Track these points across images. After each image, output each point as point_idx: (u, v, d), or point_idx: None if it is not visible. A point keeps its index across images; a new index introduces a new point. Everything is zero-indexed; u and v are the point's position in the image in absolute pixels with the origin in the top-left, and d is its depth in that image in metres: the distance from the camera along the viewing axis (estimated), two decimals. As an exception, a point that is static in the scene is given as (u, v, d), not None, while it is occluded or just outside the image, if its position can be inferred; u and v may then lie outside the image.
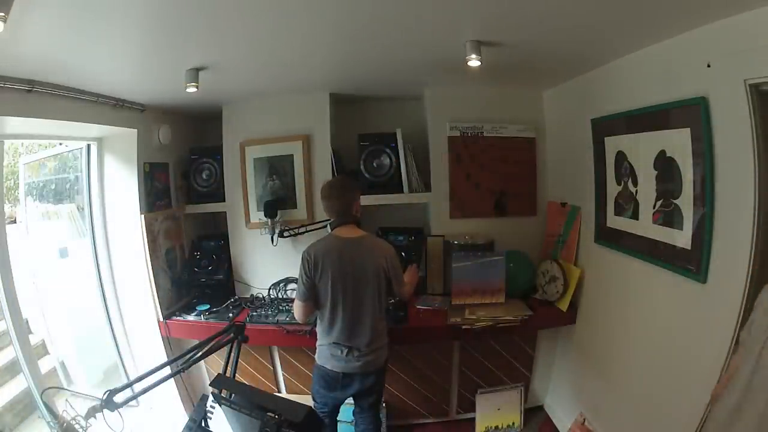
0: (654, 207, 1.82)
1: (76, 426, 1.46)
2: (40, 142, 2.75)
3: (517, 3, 1.38)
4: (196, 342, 1.89)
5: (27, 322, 2.37)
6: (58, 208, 2.83)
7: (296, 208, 2.75)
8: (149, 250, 2.49)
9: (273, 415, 1.35)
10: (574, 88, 2.42)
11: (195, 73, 1.88)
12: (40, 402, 2.03)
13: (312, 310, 2.01)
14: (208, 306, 2.63)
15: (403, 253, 2.60)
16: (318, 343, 2.06)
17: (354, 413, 2.22)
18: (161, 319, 2.53)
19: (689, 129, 1.59)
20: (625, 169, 2.00)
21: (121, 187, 2.52)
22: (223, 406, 1.48)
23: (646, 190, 1.87)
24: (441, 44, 1.74)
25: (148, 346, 2.60)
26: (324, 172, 2.69)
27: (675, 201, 1.70)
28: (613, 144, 2.08)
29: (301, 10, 1.39)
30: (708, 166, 1.52)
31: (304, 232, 2.56)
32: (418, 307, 2.57)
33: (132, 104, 2.38)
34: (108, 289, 2.63)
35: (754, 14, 1.32)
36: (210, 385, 1.80)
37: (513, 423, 2.72)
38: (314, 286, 1.95)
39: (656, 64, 1.77)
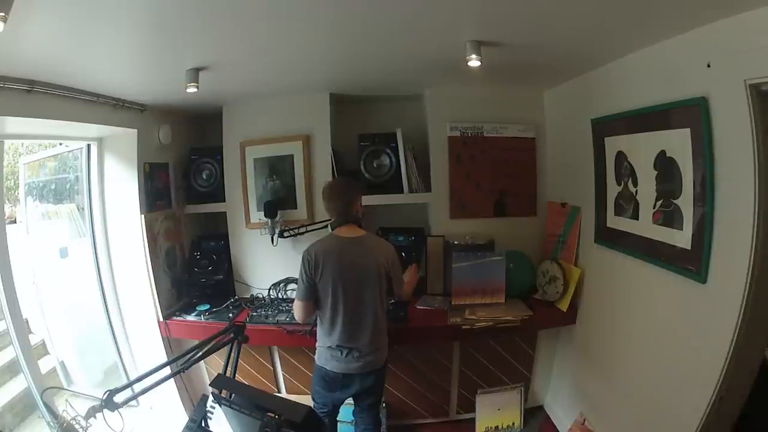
0: (654, 207, 1.82)
1: (76, 426, 1.46)
2: (40, 142, 2.75)
3: (517, 3, 1.38)
4: (196, 342, 1.89)
5: (27, 322, 2.37)
6: (58, 208, 2.83)
7: (296, 208, 2.75)
8: (149, 250, 2.49)
9: (273, 415, 1.35)
10: (574, 88, 2.42)
11: (195, 73, 1.88)
12: (40, 402, 2.03)
13: (312, 310, 2.01)
14: (208, 306, 2.63)
15: (403, 253, 2.59)
16: (318, 344, 2.06)
17: (354, 413, 2.22)
18: (161, 319, 2.53)
19: (689, 129, 1.59)
20: (625, 169, 2.00)
21: (121, 187, 2.52)
22: (223, 406, 1.48)
23: (647, 190, 1.86)
24: (441, 44, 1.74)
25: (148, 346, 2.60)
26: (324, 172, 2.69)
27: (675, 201, 1.70)
28: (613, 144, 2.08)
29: (301, 10, 1.39)
30: (708, 166, 1.52)
31: (304, 232, 2.57)
32: (418, 307, 2.57)
33: (132, 104, 2.38)
34: (108, 289, 2.63)
35: (754, 14, 1.32)
36: (210, 385, 1.80)
37: (513, 423, 2.72)
38: (314, 286, 1.95)
39: (656, 64, 1.77)
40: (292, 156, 2.72)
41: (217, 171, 2.84)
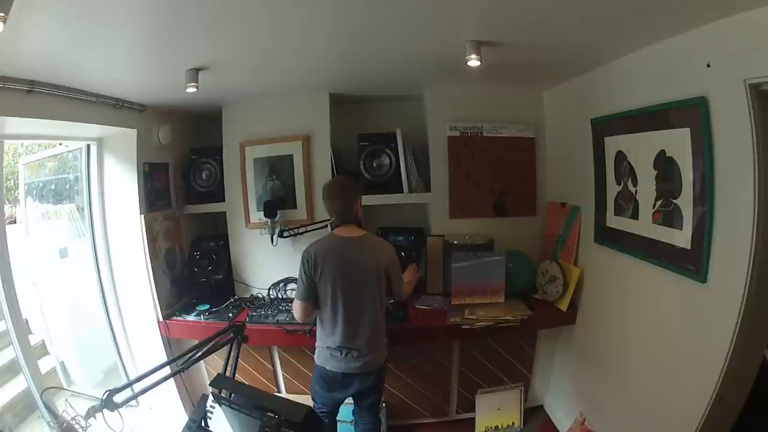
0: (654, 207, 1.82)
1: (76, 426, 1.47)
2: (40, 142, 2.75)
3: (517, 3, 1.38)
4: (195, 342, 1.89)
5: (27, 322, 2.37)
6: (58, 208, 2.83)
7: (296, 208, 2.75)
8: (149, 250, 2.49)
9: (273, 415, 1.35)
10: (574, 88, 2.42)
11: (195, 73, 1.88)
12: (40, 402, 2.03)
13: (312, 309, 2.01)
14: (208, 306, 2.63)
15: (403, 253, 2.60)
16: (317, 344, 2.06)
17: (354, 413, 2.22)
18: (161, 319, 2.53)
19: (689, 129, 1.59)
20: (624, 169, 2.00)
21: (120, 187, 2.52)
22: (223, 406, 1.48)
23: (646, 189, 1.87)
24: (441, 44, 1.73)
25: (148, 346, 2.60)
26: (324, 172, 2.69)
27: (675, 201, 1.70)
28: (613, 144, 2.08)
29: (299, 10, 1.39)
30: (708, 166, 1.52)
31: (303, 232, 2.57)
32: (418, 306, 2.57)
33: (132, 104, 2.38)
34: (108, 289, 2.63)
35: (754, 14, 1.32)
36: (210, 385, 1.80)
37: (513, 423, 2.72)
38: (314, 286, 1.95)
39: (656, 64, 1.77)
40: (292, 156, 2.72)
41: (217, 171, 2.84)
